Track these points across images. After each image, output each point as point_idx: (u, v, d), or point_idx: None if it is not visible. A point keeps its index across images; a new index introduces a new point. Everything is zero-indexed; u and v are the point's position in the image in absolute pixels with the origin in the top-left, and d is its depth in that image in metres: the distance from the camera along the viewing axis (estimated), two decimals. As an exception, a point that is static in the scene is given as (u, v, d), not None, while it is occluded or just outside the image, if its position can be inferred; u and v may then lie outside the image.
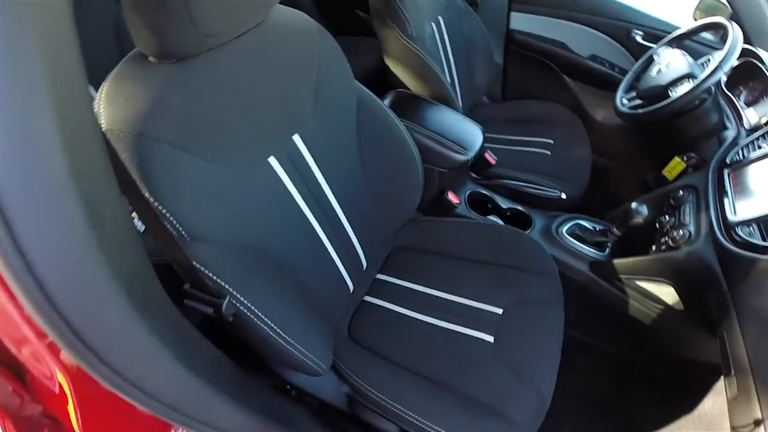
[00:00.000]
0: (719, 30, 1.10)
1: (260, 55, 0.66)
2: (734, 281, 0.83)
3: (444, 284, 0.96)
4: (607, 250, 1.13)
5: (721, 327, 0.83)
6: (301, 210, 0.74)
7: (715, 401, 1.21)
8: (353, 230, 0.87)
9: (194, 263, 0.55)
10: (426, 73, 1.17)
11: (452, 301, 0.93)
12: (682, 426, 1.18)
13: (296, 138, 0.71)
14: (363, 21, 1.79)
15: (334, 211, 0.82)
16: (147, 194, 0.51)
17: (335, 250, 0.83)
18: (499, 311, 0.90)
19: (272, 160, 0.67)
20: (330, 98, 0.76)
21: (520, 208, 1.23)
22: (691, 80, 1.04)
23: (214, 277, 0.56)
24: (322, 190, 0.78)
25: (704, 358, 1.16)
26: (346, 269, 0.87)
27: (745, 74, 1.13)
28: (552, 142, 1.40)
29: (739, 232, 0.84)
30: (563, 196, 1.25)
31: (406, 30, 1.11)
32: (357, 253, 0.91)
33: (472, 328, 0.88)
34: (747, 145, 0.98)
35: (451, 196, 1.12)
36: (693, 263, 0.91)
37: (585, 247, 1.14)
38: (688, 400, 1.22)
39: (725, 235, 0.87)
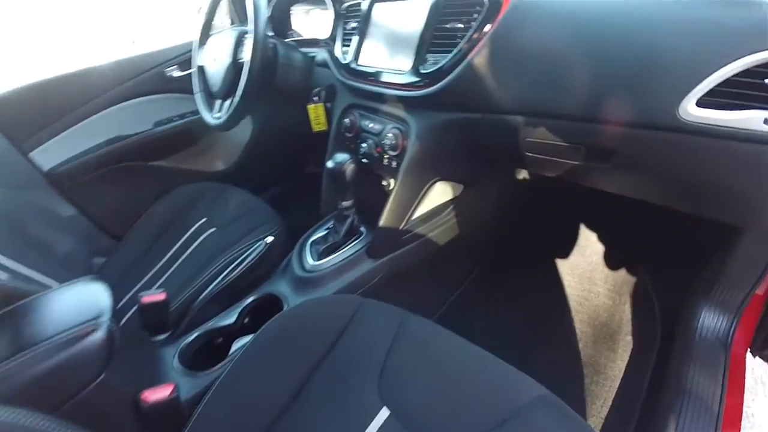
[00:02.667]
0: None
1: None
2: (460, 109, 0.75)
3: None
4: (362, 226, 0.86)
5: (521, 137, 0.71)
6: None
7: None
8: None
9: None
10: None
11: None
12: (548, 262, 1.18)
13: None
14: None
15: None
16: None
17: None
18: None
19: None
20: None
21: (247, 301, 0.80)
22: (245, 37, 0.89)
23: None
24: None
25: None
26: None
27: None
28: (206, 218, 1.04)
29: (424, 69, 0.74)
30: (270, 239, 0.90)
31: None
32: None
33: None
34: (343, 43, 0.93)
35: (151, 395, 0.56)
36: (428, 141, 0.78)
37: (345, 249, 0.84)
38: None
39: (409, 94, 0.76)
